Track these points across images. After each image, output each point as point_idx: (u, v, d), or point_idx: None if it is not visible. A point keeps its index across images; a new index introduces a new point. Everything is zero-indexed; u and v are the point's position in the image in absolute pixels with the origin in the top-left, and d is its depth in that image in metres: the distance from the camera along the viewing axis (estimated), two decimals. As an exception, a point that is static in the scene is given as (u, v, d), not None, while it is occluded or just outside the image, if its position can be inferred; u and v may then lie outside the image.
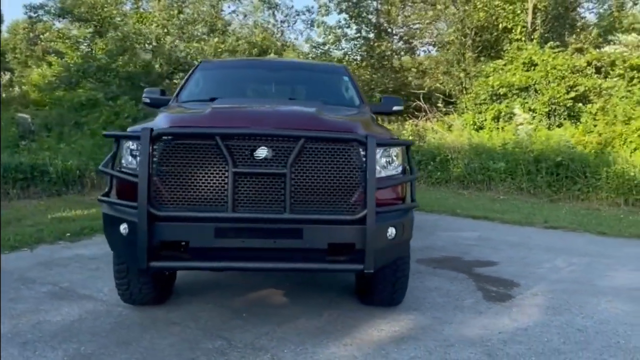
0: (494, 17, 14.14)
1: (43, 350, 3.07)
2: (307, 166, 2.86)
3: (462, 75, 14.96)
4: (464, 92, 14.51)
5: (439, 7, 14.48)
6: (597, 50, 13.51)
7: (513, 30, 14.00)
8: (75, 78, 12.27)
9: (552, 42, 14.28)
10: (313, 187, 2.88)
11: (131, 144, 3.10)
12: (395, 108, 4.68)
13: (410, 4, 15.19)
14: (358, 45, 20.64)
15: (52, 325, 3.44)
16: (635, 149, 9.72)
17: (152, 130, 2.80)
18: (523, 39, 13.97)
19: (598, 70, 13.38)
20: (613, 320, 3.74)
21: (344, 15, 20.39)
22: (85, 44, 15.70)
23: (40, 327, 3.40)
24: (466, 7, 14.25)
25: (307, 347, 3.17)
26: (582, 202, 9.13)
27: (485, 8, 14.10)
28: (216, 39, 12.39)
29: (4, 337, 3.23)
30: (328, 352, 3.12)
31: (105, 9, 12.40)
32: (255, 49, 14.16)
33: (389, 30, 20.32)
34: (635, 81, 11.32)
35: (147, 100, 4.59)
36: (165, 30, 11.83)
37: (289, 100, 4.18)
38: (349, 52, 20.85)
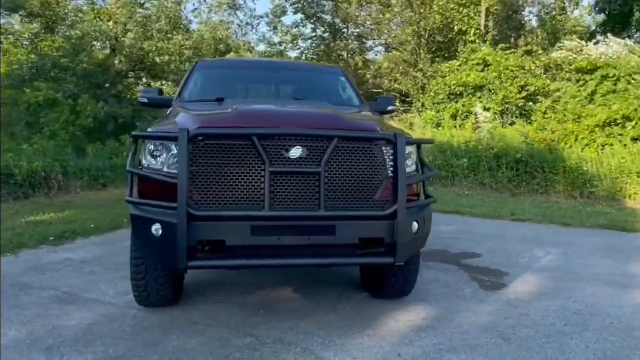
0: (449, 20, 14.67)
1: (71, 355, 3.02)
2: (339, 165, 2.97)
3: (419, 75, 15.41)
4: (422, 91, 14.98)
5: (396, 9, 14.86)
6: (546, 54, 14.30)
7: (468, 33, 14.58)
8: (28, 76, 11.73)
9: (502, 45, 15.00)
10: (345, 184, 2.99)
11: (156, 145, 3.10)
12: (389, 108, 4.86)
13: (367, 4, 15.47)
14: (315, 45, 20.85)
15: (70, 330, 3.37)
16: (586, 145, 10.40)
17: (189, 131, 2.82)
18: (477, 41, 14.58)
19: (546, 72, 14.17)
20: (602, 304, 4.07)
21: (300, 15, 20.57)
22: (29, 41, 14.98)
23: (59, 332, 3.33)
24: (422, 10, 14.71)
25: (334, 340, 3.28)
26: (542, 195, 9.69)
27: (442, 11, 14.60)
28: (180, 37, 12.15)
29: (23, 344, 3.15)
30: (356, 343, 3.24)
31: (60, 4, 11.89)
32: (222, 46, 14.02)
33: (345, 30, 20.64)
34: (581, 82, 12.10)
35: (145, 101, 4.53)
36: (126, 27, 11.49)
37: (294, 100, 4.27)
38: (306, 52, 21.02)
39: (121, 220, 6.74)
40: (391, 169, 3.04)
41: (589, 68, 11.87)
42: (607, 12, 23.95)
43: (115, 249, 5.45)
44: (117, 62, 12.31)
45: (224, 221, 2.87)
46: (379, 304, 3.96)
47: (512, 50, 14.85)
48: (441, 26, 14.97)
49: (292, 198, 2.92)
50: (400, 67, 15.59)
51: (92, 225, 6.37)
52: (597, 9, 21.45)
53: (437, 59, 16.01)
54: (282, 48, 21.53)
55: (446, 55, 16.41)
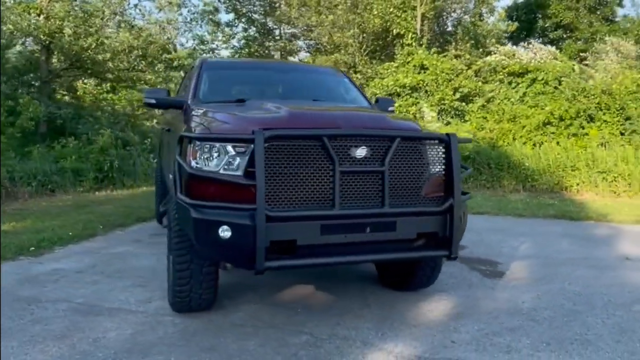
0: (388, 24, 15.21)
1: (133, 366, 2.92)
2: (399, 163, 3.11)
3: (358, 76, 15.85)
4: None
5: (338, 12, 15.17)
6: (480, 58, 15.27)
7: (405, 36, 15.21)
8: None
9: (435, 48, 15.81)
10: (403, 182, 3.14)
11: (209, 147, 3.06)
12: (390, 109, 5.06)
13: (306, 7, 15.66)
14: (245, 44, 20.70)
15: (114, 341, 3.22)
16: (524, 143, 11.29)
17: (262, 132, 2.82)
18: (413, 44, 15.25)
19: (477, 74, 15.13)
20: (593, 284, 4.53)
21: (232, 14, 20.34)
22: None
23: (103, 344, 3.18)
24: (364, 14, 15.14)
25: (385, 332, 3.41)
26: (489, 190, 10.38)
27: (381, 15, 15.11)
28: (128, 34, 11.53)
29: (72, 359, 2.99)
30: (407, 333, 3.39)
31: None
32: (170, 45, 13.53)
33: (277, 30, 20.70)
34: (513, 84, 13.09)
35: (152, 101, 4.38)
36: (62, 22, 10.74)
37: (313, 101, 4.34)
38: (239, 51, 20.81)
39: (94, 227, 6.43)
40: (441, 166, 3.22)
41: (520, 71, 12.87)
42: (514, 19, 25.98)
43: (104, 256, 5.22)
44: (54, 59, 11.46)
45: (296, 221, 2.90)
46: (403, 296, 4.14)
47: (444, 54, 15.69)
48: (380, 29, 15.49)
49: (359, 196, 3.02)
50: (341, 69, 15.92)
51: (70, 233, 6.01)
52: (507, 16, 23.23)
53: (373, 61, 16.55)
54: (214, 46, 21.18)
55: (382, 57, 17.01)
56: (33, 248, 5.37)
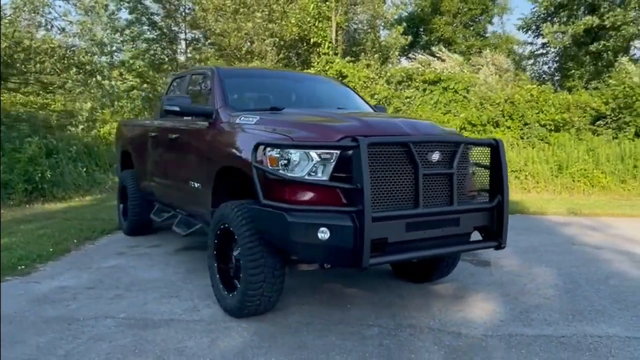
0: (305, 32, 15.66)
1: (241, 369, 2.97)
2: (461, 165, 3.51)
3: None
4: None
5: (257, 20, 15.29)
6: (391, 67, 16.31)
7: (322, 45, 15.77)
8: None
9: (348, 57, 16.60)
10: (464, 182, 3.55)
11: (293, 153, 3.21)
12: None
13: (222, 13, 15.56)
14: (146, 48, 19.86)
15: (199, 349, 3.21)
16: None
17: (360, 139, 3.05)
18: (330, 53, 15.87)
19: (389, 82, 16.15)
20: (563, 267, 5.29)
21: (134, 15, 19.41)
22: None
23: (192, 353, 3.17)
24: (283, 22, 15.44)
25: (441, 318, 3.79)
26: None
27: (299, 24, 15.52)
28: (44, 32, 10.54)
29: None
30: (460, 316, 3.80)
31: None
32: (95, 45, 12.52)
33: (179, 35, 20.14)
34: (427, 92, 14.24)
35: (176, 109, 4.31)
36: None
37: (338, 109, 4.59)
38: (140, 56, 19.90)
39: (63, 242, 6.01)
40: (490, 166, 3.68)
41: (434, 80, 14.03)
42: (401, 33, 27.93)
43: (103, 271, 4.97)
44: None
45: (389, 220, 3.16)
46: (423, 287, 4.55)
47: (358, 62, 16.53)
48: (297, 38, 15.89)
49: (434, 196, 3.37)
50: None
51: (51, 249, 5.57)
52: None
53: (290, 69, 16.90)
54: (112, 49, 20.01)
55: (297, 65, 17.42)
56: (23, 267, 4.95)
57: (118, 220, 6.89)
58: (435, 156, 3.36)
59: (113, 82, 13.85)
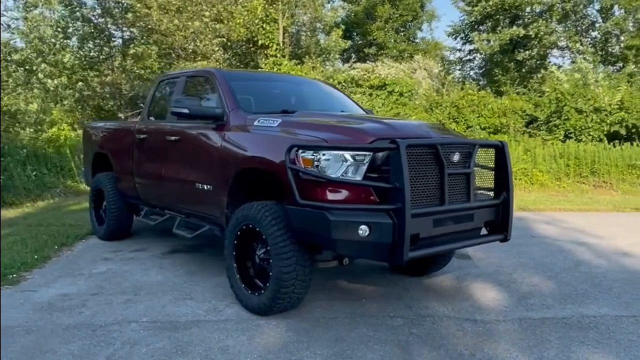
0: (253, 34, 15.65)
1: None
2: (475, 166, 3.82)
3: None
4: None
5: (205, 19, 15.09)
6: (333, 70, 16.68)
7: (269, 47, 15.83)
8: None
9: (295, 60, 16.79)
10: (477, 180, 3.86)
11: (326, 155, 3.36)
12: (372, 118, 5.71)
13: (166, 11, 15.18)
14: (82, 45, 18.99)
15: (243, 347, 3.28)
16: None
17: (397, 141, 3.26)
18: (277, 55, 15.97)
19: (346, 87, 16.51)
20: (534, 257, 5.80)
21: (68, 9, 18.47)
22: None
23: (237, 351, 3.23)
24: (230, 23, 15.34)
25: (452, 307, 4.07)
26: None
27: (247, 25, 15.49)
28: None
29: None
30: (468, 305, 4.10)
31: None
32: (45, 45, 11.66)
33: (115, 33, 19.40)
34: (373, 96, 14.71)
35: (185, 111, 4.31)
36: None
37: (342, 112, 4.78)
38: (78, 55, 18.98)
39: (42, 249, 5.75)
40: (495, 166, 4.01)
41: (379, 84, 14.53)
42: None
43: (99, 277, 4.85)
44: None
45: (420, 217, 3.39)
46: (421, 280, 4.84)
47: (304, 65, 16.76)
48: (245, 39, 15.84)
49: (456, 193, 3.65)
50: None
51: (36, 257, 5.31)
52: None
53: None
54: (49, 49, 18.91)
55: (241, 66, 17.35)
56: (13, 275, 4.71)
57: (91, 225, 6.65)
58: (456, 157, 3.63)
59: (56, 81, 13.15)
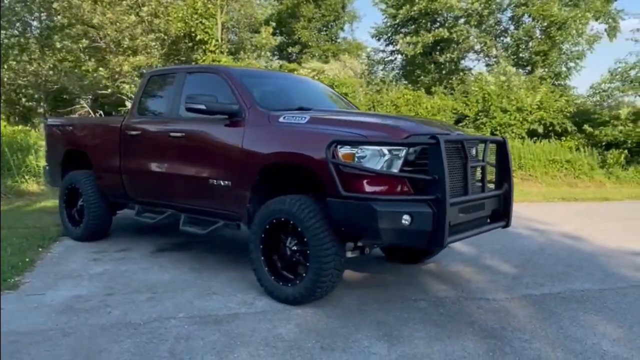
0: (192, 29, 15.33)
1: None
2: (485, 159, 4.22)
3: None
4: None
5: (142, 14, 14.55)
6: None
7: (208, 43, 15.60)
8: None
9: (232, 56, 16.70)
10: (486, 173, 4.26)
11: (366, 149, 3.60)
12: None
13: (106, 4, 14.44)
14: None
15: (296, 333, 3.43)
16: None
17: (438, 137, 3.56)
18: (216, 51, 15.78)
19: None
20: (505, 244, 6.40)
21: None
22: None
23: (291, 337, 3.37)
24: (168, 18, 14.92)
25: (462, 288, 4.46)
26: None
27: (186, 20, 15.14)
28: None
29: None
30: (474, 287, 4.52)
31: None
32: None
33: (32, 22, 18.14)
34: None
35: (202, 107, 4.32)
36: None
37: (349, 109, 5.02)
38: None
39: (23, 249, 5.45)
40: (498, 159, 4.44)
41: (329, 84, 14.85)
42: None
43: (100, 278, 4.73)
44: None
45: (452, 206, 3.70)
46: (418, 267, 5.19)
47: (241, 61, 16.71)
48: (182, 34, 15.46)
49: (474, 184, 4.02)
50: (145, 71, 15.27)
51: (27, 259, 5.01)
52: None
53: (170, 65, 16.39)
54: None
55: (176, 62, 16.91)
56: (14, 279, 4.45)
57: (63, 226, 6.34)
58: (474, 151, 4.01)
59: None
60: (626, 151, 14.13)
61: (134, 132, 5.35)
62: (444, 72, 25.17)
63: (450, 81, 24.26)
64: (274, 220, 4.00)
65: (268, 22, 22.96)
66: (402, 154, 3.65)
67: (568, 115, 15.15)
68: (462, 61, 25.58)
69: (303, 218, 3.78)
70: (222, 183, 4.47)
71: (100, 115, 15.03)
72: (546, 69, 20.71)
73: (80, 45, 14.95)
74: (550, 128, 14.96)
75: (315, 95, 5.43)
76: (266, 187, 4.28)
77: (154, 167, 5.12)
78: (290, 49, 32.85)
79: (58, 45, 14.89)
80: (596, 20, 21.18)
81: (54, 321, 3.63)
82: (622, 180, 13.51)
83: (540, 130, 15.02)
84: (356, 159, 3.61)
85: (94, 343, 3.28)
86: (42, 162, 10.80)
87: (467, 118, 15.56)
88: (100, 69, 15.05)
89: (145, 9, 14.21)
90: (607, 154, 14.31)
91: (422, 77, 25.22)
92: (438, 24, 24.76)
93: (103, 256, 5.47)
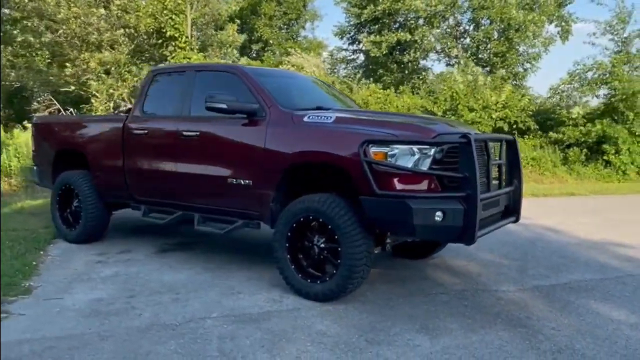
0: (162, 25, 15.00)
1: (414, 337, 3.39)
2: (502, 157, 4.41)
3: (128, 76, 15.17)
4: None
5: (113, 8, 14.10)
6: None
7: (178, 39, 15.31)
8: None
9: (202, 53, 16.47)
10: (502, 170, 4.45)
11: (407, 149, 3.71)
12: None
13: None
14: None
15: (335, 330, 3.50)
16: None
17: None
18: (187, 48, 15.52)
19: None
20: (497, 238, 6.65)
21: None
22: None
23: (332, 333, 3.44)
24: (138, 13, 14.53)
25: (476, 282, 4.65)
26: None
27: (155, 15, 14.80)
28: None
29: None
30: (484, 279, 4.71)
31: None
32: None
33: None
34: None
35: (223, 106, 4.31)
36: None
37: (356, 107, 5.11)
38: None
39: (20, 252, 5.25)
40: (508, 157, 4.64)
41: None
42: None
43: (114, 280, 4.64)
44: None
45: (481, 202, 3.86)
46: (425, 262, 5.35)
47: (209, 58, 16.51)
48: (152, 30, 15.09)
49: (495, 181, 4.20)
50: (112, 68, 14.81)
51: (34, 263, 4.82)
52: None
53: (138, 62, 15.99)
54: None
55: (143, 59, 16.53)
56: (27, 285, 4.30)
57: (56, 229, 6.13)
58: (493, 150, 4.19)
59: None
60: (585, 149, 14.89)
61: (140, 131, 5.25)
62: (406, 71, 25.69)
63: (412, 80, 24.81)
64: (302, 219, 4.05)
65: (233, 19, 22.75)
66: (431, 152, 3.77)
67: (530, 114, 15.80)
68: (424, 61, 26.27)
69: (334, 216, 3.85)
70: (242, 182, 4.46)
71: (71, 113, 14.48)
72: (505, 69, 21.49)
73: (44, 40, 14.36)
74: (515, 126, 15.54)
75: (321, 93, 5.50)
76: (287, 186, 4.32)
77: (164, 166, 5.05)
78: (252, 47, 32.61)
79: (19, 38, 14.24)
80: (550, 23, 22.17)
81: (85, 325, 3.55)
82: (583, 176, 14.24)
83: (505, 128, 15.57)
84: (388, 158, 3.71)
85: (136, 345, 3.24)
86: (14, 162, 10.39)
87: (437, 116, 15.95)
88: (67, 64, 14.50)
89: (117, 2, 13.79)
90: (569, 152, 15.03)
91: (385, 77, 25.63)
92: (398, 24, 25.27)
93: (106, 258, 5.34)
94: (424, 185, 3.77)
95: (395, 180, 3.71)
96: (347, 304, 4.00)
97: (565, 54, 37.85)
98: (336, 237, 3.87)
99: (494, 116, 15.26)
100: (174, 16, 14.99)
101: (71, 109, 14.79)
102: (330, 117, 4.15)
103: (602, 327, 3.63)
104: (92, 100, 15.07)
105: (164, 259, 5.31)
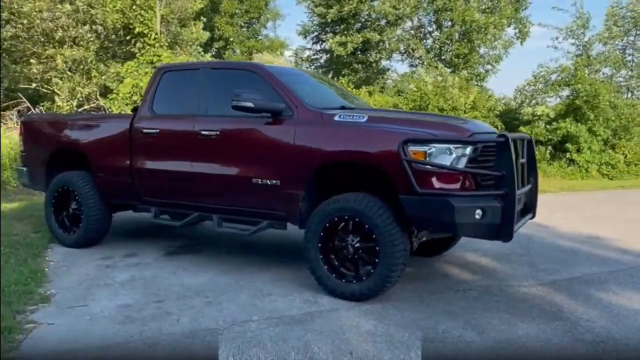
0: (130, 21, 14.52)
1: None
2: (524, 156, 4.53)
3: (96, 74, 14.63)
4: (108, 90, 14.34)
5: (79, 3, 13.51)
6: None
7: (147, 36, 14.86)
8: None
9: (171, 50, 16.09)
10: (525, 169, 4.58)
11: (445, 148, 3.77)
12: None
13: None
14: None
15: (379, 329, 3.51)
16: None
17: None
18: (157, 45, 15.09)
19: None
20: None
21: None
22: None
23: (380, 332, 3.45)
24: (105, 9, 14.00)
25: (496, 278, 4.77)
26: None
27: (124, 11, 14.31)
28: None
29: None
30: (502, 276, 4.84)
31: None
32: None
33: None
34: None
35: (250, 105, 4.24)
36: None
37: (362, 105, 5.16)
38: None
39: (23, 258, 4.98)
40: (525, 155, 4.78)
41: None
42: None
43: (133, 285, 4.49)
44: None
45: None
46: (440, 260, 5.44)
47: (179, 56, 16.16)
48: (120, 26, 14.57)
49: (520, 179, 4.32)
50: (81, 66, 14.19)
51: (46, 269, 4.57)
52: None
53: (109, 61, 15.49)
54: None
55: (109, 55, 15.97)
56: (46, 292, 4.07)
57: (53, 233, 5.83)
58: (518, 150, 4.31)
59: None
60: (550, 147, 15.51)
61: (150, 131, 5.07)
62: (370, 71, 25.97)
63: (377, 81, 25.11)
64: (335, 219, 4.04)
65: (198, 16, 22.33)
66: (467, 151, 3.84)
67: (497, 114, 16.31)
68: (388, 61, 26.63)
69: (372, 215, 3.86)
70: (268, 182, 4.39)
71: (40, 111, 13.76)
72: (467, 71, 22.10)
73: (5, 34, 13.63)
74: (483, 126, 16.00)
75: (334, 92, 5.51)
76: (317, 185, 4.29)
77: (178, 166, 4.91)
78: (214, 44, 32.08)
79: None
80: (509, 26, 22.96)
81: (125, 333, 3.42)
82: (549, 174, 14.82)
83: (473, 128, 16.01)
84: (427, 157, 3.75)
85: (190, 352, 3.14)
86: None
87: (407, 116, 16.20)
88: (32, 60, 13.80)
89: (84, -1, 13.28)
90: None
91: (350, 76, 25.81)
92: (360, 24, 25.52)
93: (114, 262, 5.15)
94: (460, 184, 3.83)
95: (434, 179, 3.76)
96: (383, 302, 4.02)
97: (525, 57, 39.83)
98: (374, 236, 3.88)
99: (463, 117, 15.66)
100: (142, 12, 14.55)
101: (41, 107, 14.10)
102: (363, 117, 4.16)
103: (631, 318, 3.80)
104: (56, 98, 14.43)
105: (175, 262, 5.17)
